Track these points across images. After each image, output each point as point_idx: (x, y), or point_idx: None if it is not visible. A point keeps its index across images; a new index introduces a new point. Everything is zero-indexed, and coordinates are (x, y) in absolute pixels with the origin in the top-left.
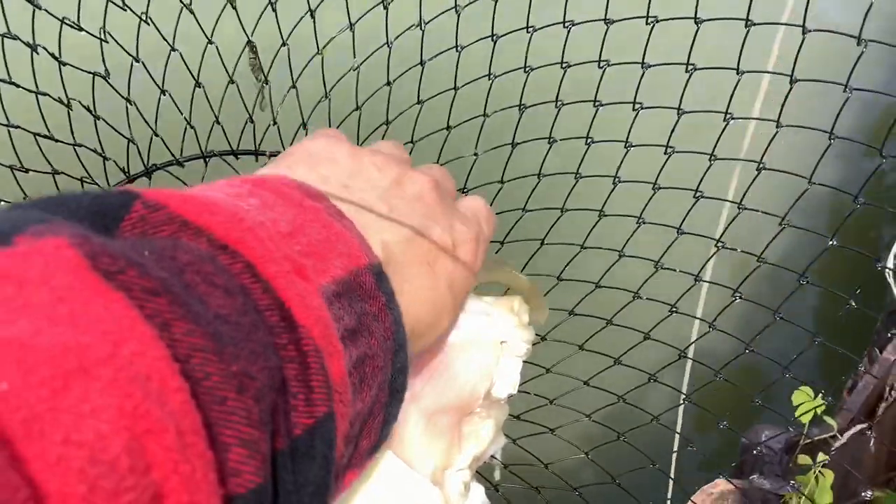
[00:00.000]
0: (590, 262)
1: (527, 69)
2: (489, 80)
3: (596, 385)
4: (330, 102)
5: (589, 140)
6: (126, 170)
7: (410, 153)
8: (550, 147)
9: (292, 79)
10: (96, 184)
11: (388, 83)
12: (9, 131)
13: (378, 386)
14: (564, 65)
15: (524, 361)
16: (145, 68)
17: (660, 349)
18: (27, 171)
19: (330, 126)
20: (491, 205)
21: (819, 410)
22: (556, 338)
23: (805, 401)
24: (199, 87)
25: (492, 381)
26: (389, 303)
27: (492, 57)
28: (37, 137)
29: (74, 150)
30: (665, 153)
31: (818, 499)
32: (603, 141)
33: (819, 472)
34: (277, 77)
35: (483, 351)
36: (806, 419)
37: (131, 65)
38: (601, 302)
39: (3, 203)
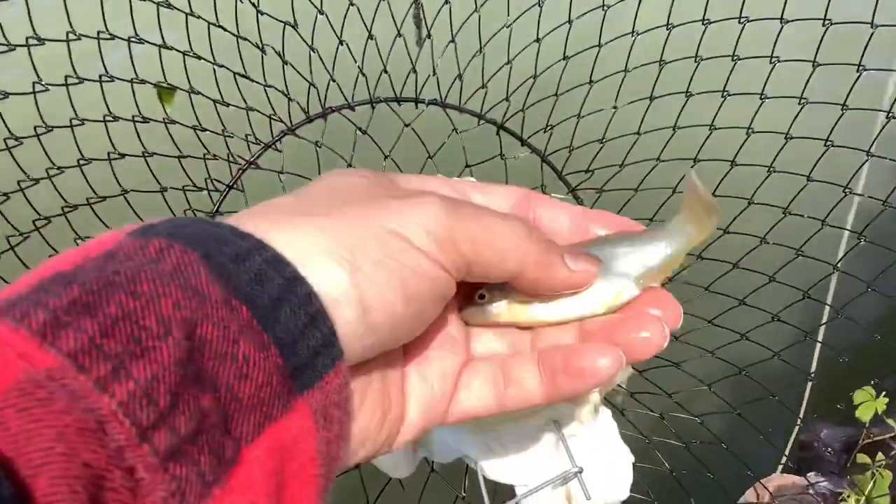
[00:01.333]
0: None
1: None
2: (632, 36)
3: (719, 324)
4: (483, 57)
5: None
6: (306, 110)
7: (554, 106)
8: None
9: (451, 34)
10: (282, 121)
11: (537, 40)
12: (214, 69)
13: (171, 342)
14: (706, 22)
15: None
16: (328, 20)
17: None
18: (227, 105)
19: (483, 79)
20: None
21: (880, 410)
22: (684, 279)
23: (866, 400)
24: (372, 38)
25: None
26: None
27: (636, 16)
28: (236, 76)
29: (265, 90)
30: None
31: (875, 498)
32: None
33: (877, 471)
34: (438, 32)
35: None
36: (866, 418)
37: (315, 17)
38: (727, 248)
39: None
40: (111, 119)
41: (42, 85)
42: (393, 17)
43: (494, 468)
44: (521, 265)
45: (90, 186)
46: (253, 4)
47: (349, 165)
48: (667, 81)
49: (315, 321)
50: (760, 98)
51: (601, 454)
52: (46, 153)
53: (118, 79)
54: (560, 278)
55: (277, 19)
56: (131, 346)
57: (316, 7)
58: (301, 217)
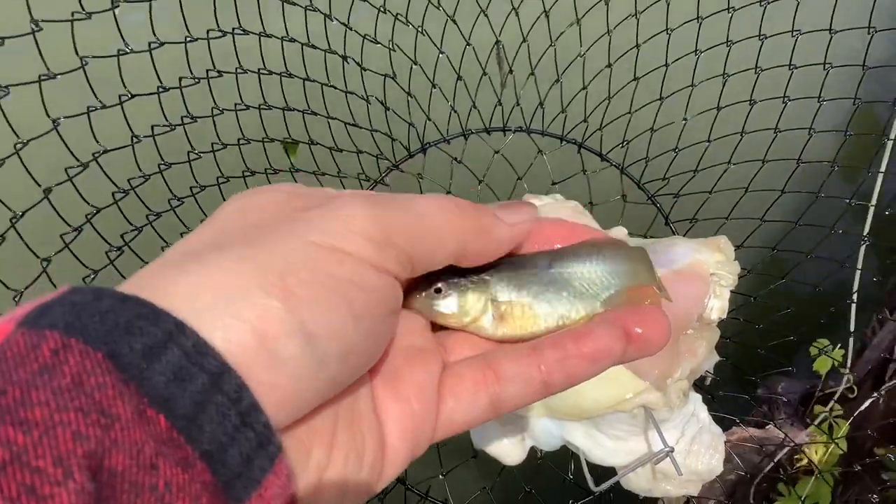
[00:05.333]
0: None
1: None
2: (695, 54)
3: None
4: (561, 86)
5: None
6: (408, 147)
7: (629, 122)
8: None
9: (531, 66)
10: (387, 159)
11: (609, 65)
12: (328, 123)
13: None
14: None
15: (732, 291)
16: (422, 69)
17: None
18: (341, 150)
19: (562, 104)
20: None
21: (836, 363)
22: (760, 271)
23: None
24: (461, 80)
25: (704, 307)
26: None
27: (697, 35)
28: (347, 126)
29: (371, 134)
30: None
31: (832, 448)
32: None
33: (834, 420)
34: (519, 67)
35: (695, 281)
36: (823, 370)
37: (410, 67)
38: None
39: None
40: (249, 174)
41: (195, 154)
42: (478, 59)
43: (595, 452)
44: (462, 241)
45: None
46: (357, 64)
47: (448, 192)
48: (732, 93)
49: (247, 420)
50: (818, 101)
51: (693, 434)
52: (200, 207)
53: (252, 140)
54: (504, 236)
55: (378, 73)
56: (23, 500)
57: (410, 59)
58: (214, 252)
